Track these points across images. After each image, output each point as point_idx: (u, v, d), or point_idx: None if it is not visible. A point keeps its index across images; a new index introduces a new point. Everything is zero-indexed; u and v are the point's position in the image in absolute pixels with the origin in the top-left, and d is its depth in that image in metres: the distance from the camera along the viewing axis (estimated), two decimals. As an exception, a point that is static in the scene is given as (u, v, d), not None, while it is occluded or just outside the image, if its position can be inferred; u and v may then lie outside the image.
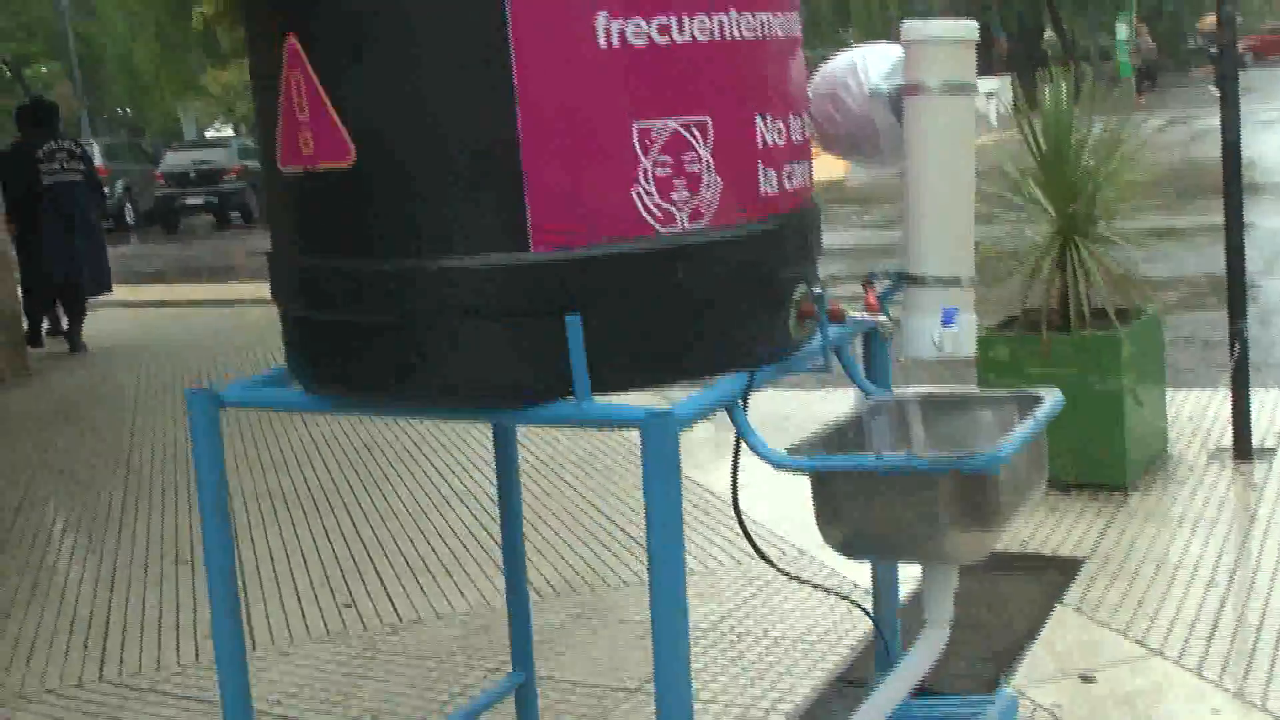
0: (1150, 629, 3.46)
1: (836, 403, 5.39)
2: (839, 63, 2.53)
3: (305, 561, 4.71)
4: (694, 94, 2.00)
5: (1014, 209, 4.88)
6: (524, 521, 2.91)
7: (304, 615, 4.19)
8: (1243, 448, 4.75)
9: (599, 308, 1.94)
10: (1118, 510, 4.35)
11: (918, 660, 2.40)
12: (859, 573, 3.61)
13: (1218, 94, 4.82)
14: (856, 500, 2.18)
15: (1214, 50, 5.15)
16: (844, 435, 2.31)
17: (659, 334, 2.01)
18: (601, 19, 1.92)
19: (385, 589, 4.35)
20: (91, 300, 10.51)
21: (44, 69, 41.08)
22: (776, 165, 2.13)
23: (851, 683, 3.30)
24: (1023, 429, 2.16)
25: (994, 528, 2.13)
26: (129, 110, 42.77)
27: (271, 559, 4.76)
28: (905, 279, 2.46)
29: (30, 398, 8.60)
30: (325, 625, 4.09)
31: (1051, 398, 2.31)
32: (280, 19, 2.06)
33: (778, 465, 2.11)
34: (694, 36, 1.99)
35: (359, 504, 5.36)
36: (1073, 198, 4.66)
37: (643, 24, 1.94)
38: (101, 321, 10.96)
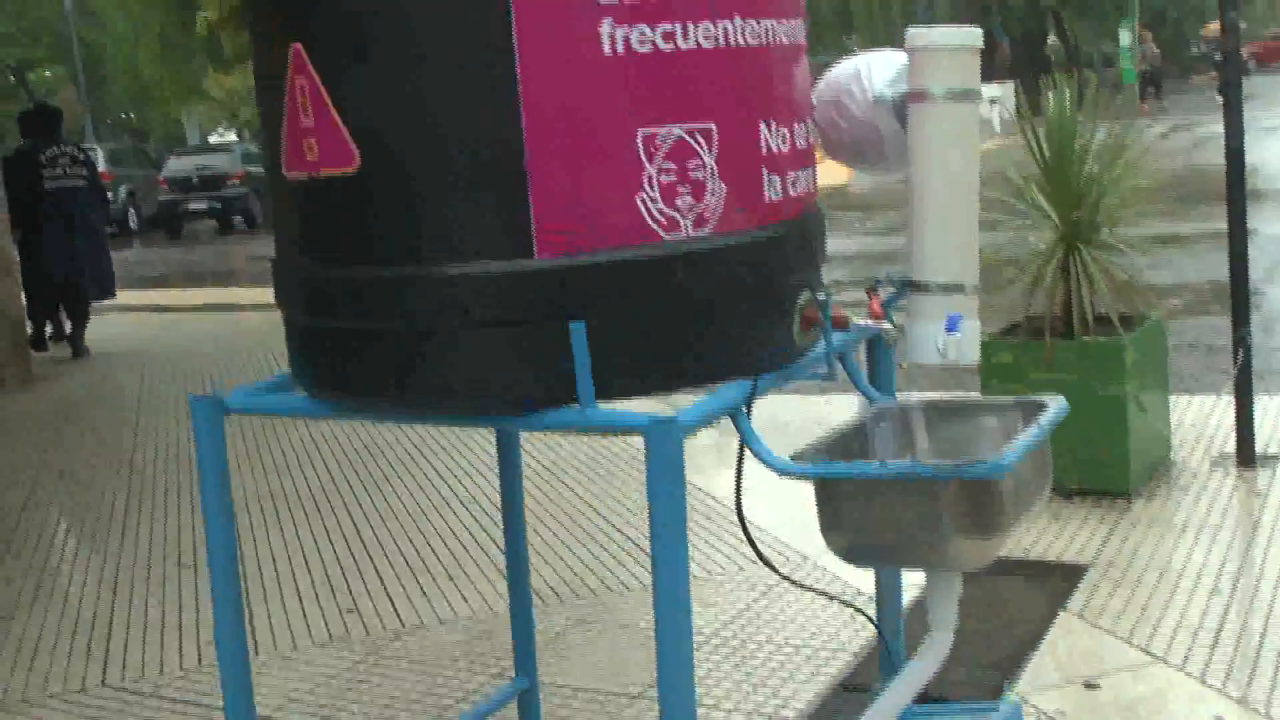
0: (1154, 636, 3.46)
1: (837, 407, 5.40)
2: (843, 69, 2.53)
3: (307, 565, 4.71)
4: (698, 100, 2.00)
5: (1017, 215, 4.89)
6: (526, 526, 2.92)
7: (306, 619, 4.19)
8: (1246, 454, 4.75)
9: (603, 314, 1.95)
10: (1121, 517, 4.35)
11: (921, 666, 2.40)
12: (862, 579, 3.61)
13: (1221, 100, 4.82)
14: (860, 507, 2.18)
15: (1218, 56, 5.14)
16: (848, 442, 2.31)
17: (663, 340, 2.01)
18: (606, 25, 1.92)
19: (387, 593, 4.35)
20: (94, 305, 10.54)
21: (48, 73, 41.19)
22: (781, 172, 2.13)
23: (855, 689, 3.29)
24: (1027, 436, 2.16)
25: (998, 535, 2.13)
26: (133, 115, 42.84)
27: (274, 562, 4.76)
28: (909, 285, 2.46)
29: (33, 401, 8.61)
30: (328, 630, 4.09)
31: (1055, 405, 2.31)
32: (285, 25, 2.06)
33: (782, 472, 2.11)
34: (699, 43, 1.99)
35: (360, 507, 5.36)
36: (1076, 204, 4.66)
37: (647, 30, 1.94)
38: (104, 326, 10.98)
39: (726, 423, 2.07)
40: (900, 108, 2.42)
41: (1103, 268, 4.63)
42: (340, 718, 3.48)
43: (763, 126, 2.09)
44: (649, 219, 1.97)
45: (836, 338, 2.26)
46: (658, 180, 1.96)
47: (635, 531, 4.64)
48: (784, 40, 2.15)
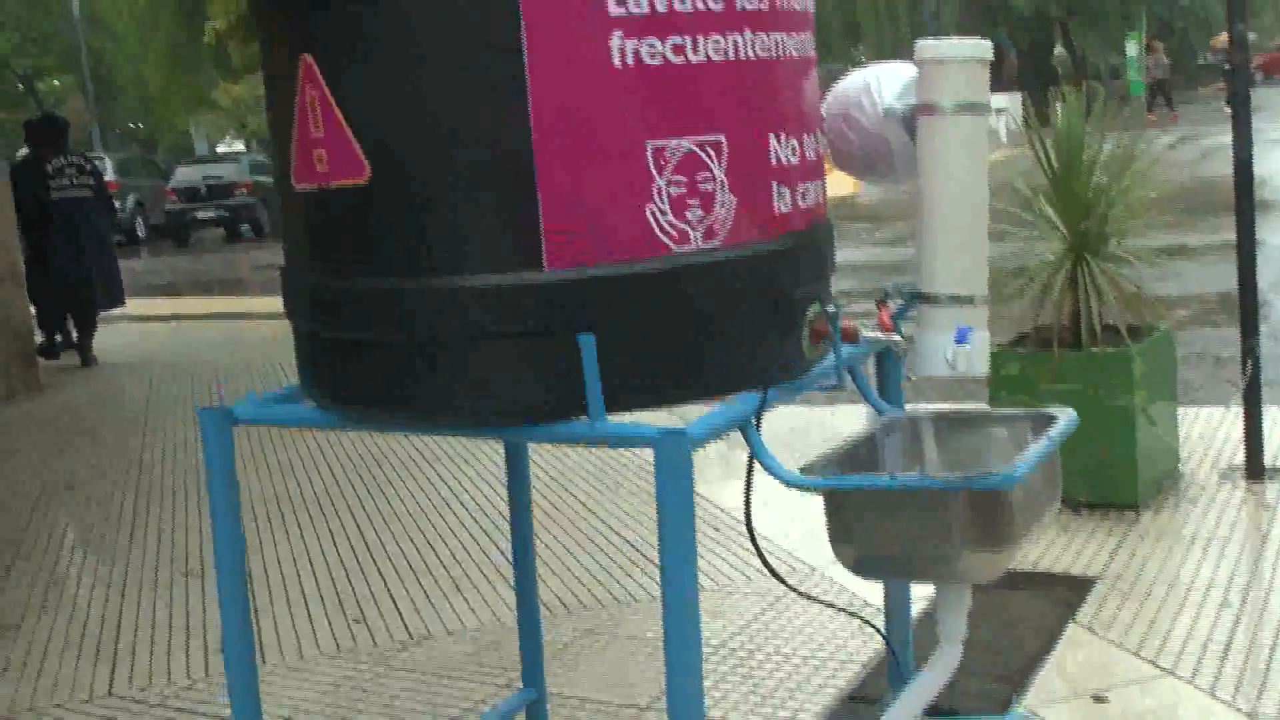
0: (1163, 649, 3.44)
1: (844, 417, 5.39)
2: (852, 82, 2.54)
3: (315, 574, 4.71)
4: (708, 113, 2.00)
5: (1025, 226, 4.88)
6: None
7: (314, 629, 4.19)
8: (1255, 467, 4.73)
9: (612, 326, 1.95)
10: (1129, 529, 4.34)
11: (931, 678, 2.40)
12: (871, 590, 3.60)
13: (1229, 111, 4.82)
14: (870, 519, 2.17)
15: (1227, 67, 5.14)
16: (857, 454, 2.31)
17: (672, 353, 2.01)
18: (616, 38, 1.92)
19: (395, 604, 4.34)
20: (103, 314, 10.57)
21: (57, 82, 41.31)
22: (790, 184, 2.13)
23: (863, 701, 3.29)
24: (1037, 448, 2.16)
25: (1008, 547, 2.13)
26: (141, 125, 42.95)
27: (281, 571, 4.76)
28: (918, 297, 2.46)
29: (41, 410, 8.63)
30: (335, 640, 4.09)
31: (1065, 417, 2.30)
32: (296, 37, 2.07)
33: (791, 484, 2.11)
34: (708, 56, 1.99)
35: (368, 516, 5.36)
36: (1084, 215, 4.66)
37: (657, 44, 1.95)
38: (112, 335, 11.00)
39: (733, 432, 2.07)
40: (910, 120, 2.43)
41: (1111, 279, 4.62)
42: (347, 728, 3.48)
43: (772, 139, 2.09)
44: (658, 231, 1.97)
45: (846, 351, 2.26)
46: (667, 192, 1.97)
47: (643, 542, 4.63)
48: (793, 53, 2.16)
